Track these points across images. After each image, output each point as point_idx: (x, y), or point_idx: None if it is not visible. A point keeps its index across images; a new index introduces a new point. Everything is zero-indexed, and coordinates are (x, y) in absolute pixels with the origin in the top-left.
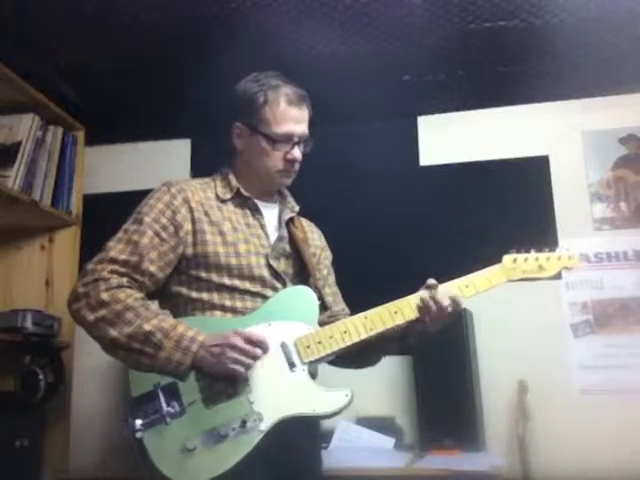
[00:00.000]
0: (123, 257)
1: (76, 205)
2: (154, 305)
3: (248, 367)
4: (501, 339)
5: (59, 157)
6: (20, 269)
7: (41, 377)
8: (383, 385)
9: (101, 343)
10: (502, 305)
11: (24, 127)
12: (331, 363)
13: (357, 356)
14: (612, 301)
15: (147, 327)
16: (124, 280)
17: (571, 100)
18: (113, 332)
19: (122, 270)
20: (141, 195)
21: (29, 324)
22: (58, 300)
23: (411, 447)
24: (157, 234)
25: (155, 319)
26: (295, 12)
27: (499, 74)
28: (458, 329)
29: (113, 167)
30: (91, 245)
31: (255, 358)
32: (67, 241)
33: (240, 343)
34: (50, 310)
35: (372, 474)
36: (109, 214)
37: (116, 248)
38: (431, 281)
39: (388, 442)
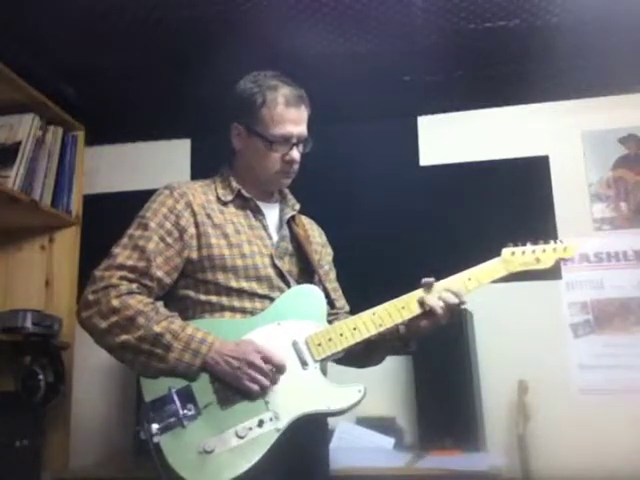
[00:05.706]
0: (130, 263)
1: (76, 205)
2: (164, 308)
3: (264, 388)
4: (501, 339)
5: (59, 157)
6: (20, 269)
7: (41, 377)
8: (383, 385)
9: (109, 348)
10: (502, 305)
11: (24, 127)
12: (336, 361)
13: (360, 355)
14: (612, 301)
15: (157, 329)
16: (133, 286)
17: (571, 100)
18: (124, 337)
19: (131, 276)
20: (141, 195)
21: (29, 324)
22: (58, 300)
23: (411, 447)
24: (162, 239)
25: (165, 321)
26: (295, 12)
27: (499, 74)
28: (458, 329)
29: (113, 167)
30: (91, 245)
31: (273, 382)
32: (67, 241)
33: (259, 362)
34: (50, 310)
35: (372, 474)
36: (109, 214)
37: (123, 254)
38: (427, 280)
39: (388, 442)
